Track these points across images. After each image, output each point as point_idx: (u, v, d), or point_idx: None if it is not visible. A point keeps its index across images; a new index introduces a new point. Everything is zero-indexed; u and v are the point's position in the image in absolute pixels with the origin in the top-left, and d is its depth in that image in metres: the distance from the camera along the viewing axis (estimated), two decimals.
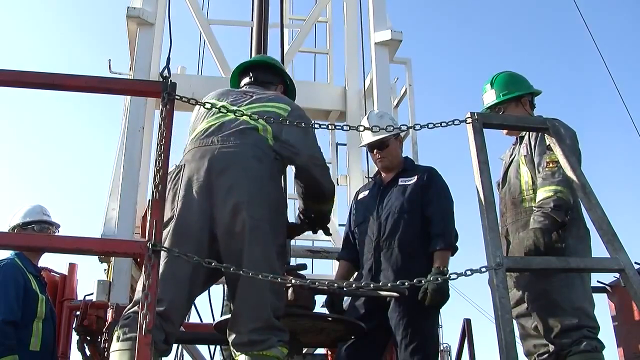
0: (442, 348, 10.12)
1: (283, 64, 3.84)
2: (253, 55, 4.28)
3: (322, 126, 2.53)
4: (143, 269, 1.98)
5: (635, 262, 2.51)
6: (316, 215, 3.12)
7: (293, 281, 2.28)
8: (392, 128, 2.70)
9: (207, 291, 4.02)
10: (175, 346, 4.64)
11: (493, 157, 2.62)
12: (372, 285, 2.45)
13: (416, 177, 3.32)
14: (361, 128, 2.56)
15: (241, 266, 2.30)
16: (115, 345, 2.35)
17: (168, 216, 2.51)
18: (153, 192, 2.02)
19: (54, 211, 4.43)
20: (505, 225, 3.17)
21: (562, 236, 2.90)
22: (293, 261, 3.49)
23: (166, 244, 2.40)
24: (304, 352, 3.26)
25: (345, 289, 2.85)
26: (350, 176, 5.48)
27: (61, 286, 4.35)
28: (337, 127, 2.52)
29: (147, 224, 2.06)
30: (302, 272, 3.00)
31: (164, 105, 2.16)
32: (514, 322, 2.75)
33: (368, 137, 3.42)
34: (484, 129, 2.42)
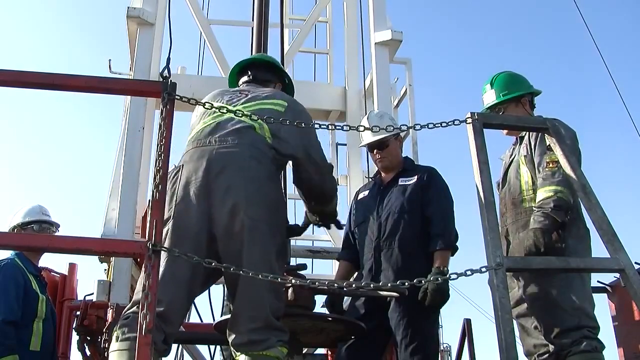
0: (442, 348, 10.10)
1: (283, 64, 3.84)
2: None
3: (322, 126, 2.53)
4: (143, 269, 1.98)
5: (635, 262, 2.51)
6: (320, 217, 3.13)
7: (293, 281, 2.28)
8: (392, 128, 2.70)
9: (207, 291, 4.02)
10: (175, 346, 4.66)
11: (493, 157, 2.61)
12: (372, 285, 2.45)
13: (416, 177, 3.32)
14: (361, 128, 2.56)
15: (240, 266, 2.30)
16: (114, 345, 2.34)
17: (166, 217, 2.49)
18: (153, 192, 2.02)
19: (54, 211, 4.45)
20: (505, 225, 3.16)
21: (562, 236, 2.90)
22: (293, 261, 3.49)
23: (164, 245, 2.40)
24: (304, 352, 3.26)
25: (345, 289, 2.85)
26: (350, 176, 5.48)
27: (61, 286, 4.35)
28: (337, 127, 2.52)
29: (147, 224, 2.06)
30: (302, 272, 2.99)
31: (164, 105, 2.16)
32: (514, 322, 2.75)
33: (368, 137, 3.42)
34: (484, 129, 2.42)
